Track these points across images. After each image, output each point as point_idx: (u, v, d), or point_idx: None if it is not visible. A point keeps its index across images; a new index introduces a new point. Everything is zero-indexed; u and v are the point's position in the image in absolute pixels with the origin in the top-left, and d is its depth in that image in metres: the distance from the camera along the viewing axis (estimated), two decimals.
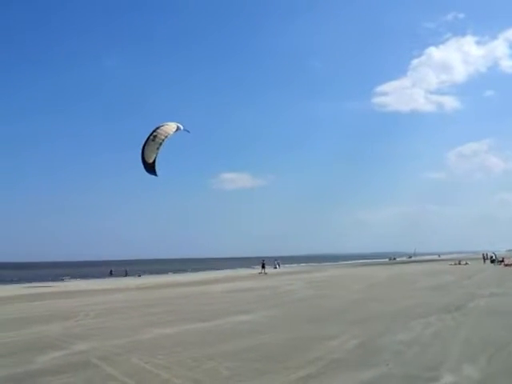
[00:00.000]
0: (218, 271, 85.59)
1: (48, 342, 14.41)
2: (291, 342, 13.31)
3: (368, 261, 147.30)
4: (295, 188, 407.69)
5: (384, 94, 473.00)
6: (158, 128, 17.28)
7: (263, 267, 67.11)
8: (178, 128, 17.82)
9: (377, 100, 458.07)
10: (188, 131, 19.02)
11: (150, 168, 16.82)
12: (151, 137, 16.92)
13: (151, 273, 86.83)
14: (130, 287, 43.24)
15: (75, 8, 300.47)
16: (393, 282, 39.54)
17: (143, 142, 17.13)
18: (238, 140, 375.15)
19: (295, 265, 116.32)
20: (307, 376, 9.71)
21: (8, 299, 32.02)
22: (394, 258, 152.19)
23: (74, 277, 78.10)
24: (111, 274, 74.63)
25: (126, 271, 74.24)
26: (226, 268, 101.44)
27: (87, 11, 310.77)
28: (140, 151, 17.00)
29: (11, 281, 69.05)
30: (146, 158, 16.59)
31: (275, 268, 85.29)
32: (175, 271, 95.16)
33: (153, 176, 17.51)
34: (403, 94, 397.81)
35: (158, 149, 16.73)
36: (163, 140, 16.85)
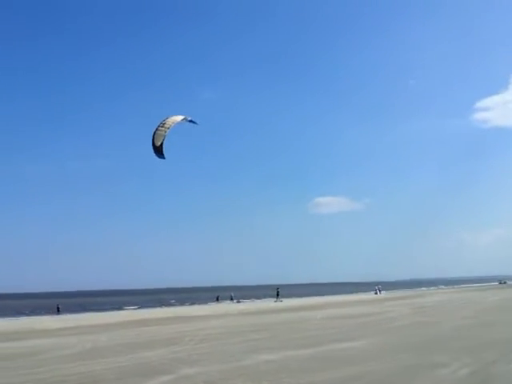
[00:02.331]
0: (318, 297, 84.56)
1: (155, 366, 14.84)
2: (399, 370, 12.81)
3: (474, 285, 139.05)
4: (393, 211, 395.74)
5: (485, 109, 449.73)
6: (166, 118, 18.60)
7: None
8: (185, 118, 18.87)
9: (478, 116, 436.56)
10: (196, 123, 19.55)
11: (158, 151, 17.91)
12: (160, 123, 18.11)
13: (254, 298, 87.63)
14: (231, 313, 43.82)
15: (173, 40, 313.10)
16: (505, 307, 37.10)
17: (154, 129, 18.41)
18: (336, 163, 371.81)
19: (396, 290, 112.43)
20: None
21: (113, 326, 33.50)
22: (505, 282, 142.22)
23: (180, 302, 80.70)
24: (217, 300, 76.42)
25: (232, 296, 75.66)
26: (326, 294, 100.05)
27: (184, 43, 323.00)
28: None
29: (113, 308, 72.50)
30: (155, 142, 17.77)
31: (376, 293, 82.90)
32: (276, 296, 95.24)
33: (162, 159, 18.61)
34: (506, 108, 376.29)
35: (165, 133, 17.89)
36: (170, 126, 18.06)
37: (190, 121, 19.25)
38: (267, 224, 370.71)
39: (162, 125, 18.11)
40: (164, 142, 17.99)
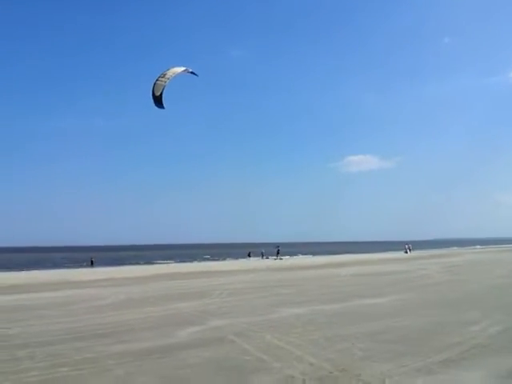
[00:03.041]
0: (347, 255, 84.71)
1: (186, 317, 15.18)
2: (428, 326, 12.80)
3: (510, 245, 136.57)
4: (425, 170, 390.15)
5: None
6: (167, 69, 18.92)
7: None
8: (186, 70, 19.15)
9: None
10: (196, 74, 19.83)
11: (158, 101, 18.36)
12: (161, 74, 18.48)
13: (282, 254, 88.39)
14: (260, 268, 44.32)
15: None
16: None
17: (154, 80, 18.84)
18: (365, 122, 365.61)
19: (427, 249, 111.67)
20: (447, 360, 9.25)
21: (146, 278, 34.25)
22: None
23: (214, 257, 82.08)
24: (249, 256, 77.39)
25: (262, 253, 76.48)
26: (354, 252, 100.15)
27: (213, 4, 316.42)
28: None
29: (145, 261, 74.21)
30: (155, 92, 18.22)
31: (406, 252, 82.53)
32: (306, 253, 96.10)
33: (162, 109, 18.94)
34: None
35: (165, 84, 18.30)
36: (171, 77, 18.43)
37: (191, 72, 19.51)
38: (297, 183, 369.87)
39: (163, 75, 18.41)
40: (164, 93, 18.38)
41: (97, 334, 12.72)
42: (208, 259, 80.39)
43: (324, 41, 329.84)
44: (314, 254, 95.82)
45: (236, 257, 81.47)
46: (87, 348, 10.94)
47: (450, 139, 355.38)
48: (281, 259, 67.71)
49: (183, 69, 19.13)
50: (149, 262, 73.38)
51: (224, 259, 75.12)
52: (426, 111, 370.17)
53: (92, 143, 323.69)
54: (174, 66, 18.93)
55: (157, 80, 18.40)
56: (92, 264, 65.48)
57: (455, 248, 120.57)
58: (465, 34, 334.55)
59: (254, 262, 60.44)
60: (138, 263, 69.29)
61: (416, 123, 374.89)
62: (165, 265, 62.51)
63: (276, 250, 72.54)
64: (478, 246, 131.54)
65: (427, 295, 19.95)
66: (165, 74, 18.46)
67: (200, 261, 74.18)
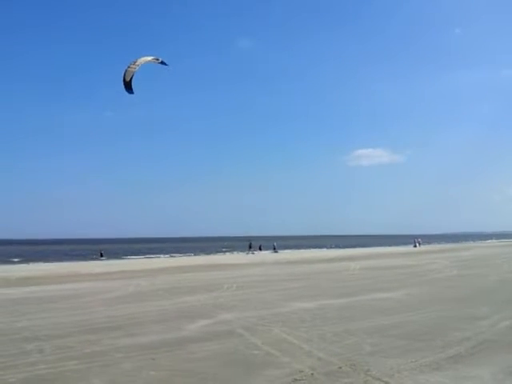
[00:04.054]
0: (356, 248, 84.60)
1: (195, 311, 15.21)
2: (436, 321, 12.75)
3: None
4: (436, 163, 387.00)
5: None
6: (138, 57, 19.94)
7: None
8: (155, 59, 19.98)
9: None
10: (166, 64, 20.59)
11: (127, 86, 19.47)
12: (132, 62, 19.52)
13: (290, 248, 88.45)
14: (268, 261, 44.39)
15: None
16: None
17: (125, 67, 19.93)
18: (375, 115, 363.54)
19: (436, 243, 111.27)
20: (456, 356, 9.19)
21: (155, 271, 34.37)
22: None
23: (221, 250, 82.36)
24: (260, 249, 77.52)
25: (274, 246, 76.48)
26: (363, 246, 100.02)
27: None
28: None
29: (153, 254, 74.58)
30: (125, 78, 19.34)
31: (415, 246, 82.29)
32: (314, 247, 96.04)
33: (131, 94, 19.89)
34: None
35: (134, 70, 19.34)
36: (140, 63, 19.43)
37: (161, 62, 20.22)
38: (305, 177, 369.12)
39: (134, 62, 19.39)
40: (133, 79, 19.46)
41: (106, 327, 12.77)
42: (215, 252, 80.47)
43: (335, 31, 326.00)
44: (322, 247, 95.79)
45: (243, 250, 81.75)
46: (96, 341, 10.97)
47: (463, 132, 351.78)
48: (253, 253, 67.12)
49: (152, 57, 19.99)
50: (157, 254, 73.62)
51: (232, 252, 74.99)
52: (437, 104, 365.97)
53: (99, 135, 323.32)
54: (144, 56, 19.85)
55: (128, 67, 19.40)
56: (101, 256, 65.93)
57: (466, 242, 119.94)
58: (476, 25, 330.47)
59: (263, 256, 60.47)
60: (146, 256, 69.52)
61: (427, 116, 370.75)
62: (173, 258, 62.76)
63: (248, 244, 71.32)
64: (494, 240, 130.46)
65: (436, 290, 19.85)
66: (135, 62, 19.41)
67: (208, 254, 74.38)
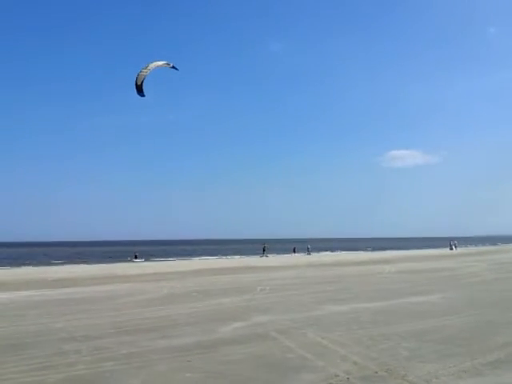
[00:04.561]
0: (389, 251, 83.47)
1: (229, 313, 15.24)
2: (475, 325, 12.49)
3: None
4: (471, 164, 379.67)
5: None
6: (150, 62, 20.84)
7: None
8: (167, 63, 20.91)
9: None
10: (177, 69, 21.46)
11: (139, 90, 20.38)
12: (144, 66, 20.38)
13: (324, 250, 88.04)
14: (301, 264, 44.21)
15: None
16: None
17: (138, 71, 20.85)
18: (409, 116, 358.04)
19: (473, 246, 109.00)
20: (496, 361, 8.98)
21: (188, 273, 34.59)
22: None
23: (254, 252, 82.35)
24: (294, 252, 77.39)
25: (308, 248, 76.19)
26: (397, 248, 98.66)
27: None
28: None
29: (187, 256, 75.11)
30: (137, 81, 20.21)
31: (451, 249, 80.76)
32: (348, 249, 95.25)
33: (142, 97, 20.86)
34: None
35: (146, 74, 20.23)
36: (152, 68, 20.34)
37: (172, 67, 21.09)
38: (337, 178, 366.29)
39: (145, 67, 20.23)
40: (144, 82, 20.30)
41: (141, 328, 12.90)
42: (253, 254, 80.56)
43: (366, 30, 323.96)
44: (356, 250, 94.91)
45: (278, 252, 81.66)
46: (132, 342, 11.10)
47: (498, 133, 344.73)
48: (266, 256, 66.38)
49: (164, 62, 20.86)
50: (189, 257, 74.11)
51: (267, 256, 74.85)
52: (472, 104, 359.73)
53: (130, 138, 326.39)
54: (156, 60, 20.72)
55: (140, 71, 20.21)
56: (136, 258, 66.77)
57: (504, 244, 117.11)
58: (510, 24, 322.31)
59: (296, 258, 60.29)
60: (178, 258, 70.10)
61: (462, 116, 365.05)
62: (204, 260, 63.09)
63: (262, 248, 70.35)
64: None
65: (475, 293, 19.43)
66: (147, 66, 20.24)
67: (241, 255, 74.47)
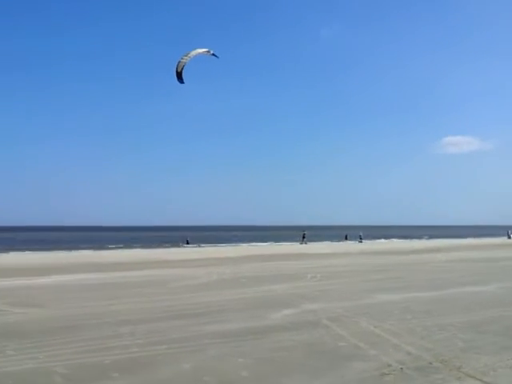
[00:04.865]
0: (443, 239, 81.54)
1: (279, 300, 15.21)
2: None
3: None
4: None
5: None
6: (191, 50, 21.17)
7: None
8: (208, 51, 21.11)
9: None
10: (217, 56, 21.61)
11: (179, 76, 20.82)
12: (185, 53, 20.71)
13: (375, 238, 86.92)
14: (352, 251, 43.84)
15: None
16: None
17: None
18: (463, 100, 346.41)
19: None
20: None
21: (238, 259, 34.84)
22: None
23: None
24: (346, 239, 76.89)
25: (360, 236, 75.47)
26: (451, 236, 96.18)
27: None
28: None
29: (236, 242, 75.90)
30: (177, 68, 20.62)
31: (509, 238, 78.19)
32: (401, 237, 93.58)
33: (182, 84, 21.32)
34: None
35: (186, 61, 20.58)
36: (192, 56, 20.62)
37: (213, 54, 21.27)
38: (390, 164, 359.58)
39: (186, 54, 20.60)
40: (184, 69, 20.74)
41: (192, 313, 13.04)
42: (298, 240, 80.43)
43: (424, 14, 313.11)
44: (409, 238, 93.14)
45: (330, 239, 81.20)
46: (183, 327, 11.24)
47: None
48: (305, 244, 65.73)
49: (205, 50, 21.08)
50: (238, 243, 74.52)
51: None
52: None
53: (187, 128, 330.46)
54: (197, 48, 21.06)
55: (181, 58, 20.64)
56: (187, 243, 67.85)
57: None
58: None
59: (347, 245, 59.79)
60: (228, 244, 70.65)
61: None
62: (254, 246, 63.37)
63: (302, 235, 69.56)
64: None
65: None
66: (188, 54, 20.60)
67: (291, 242, 74.44)
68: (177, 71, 20.75)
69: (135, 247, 61.36)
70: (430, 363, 8.22)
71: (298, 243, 67.61)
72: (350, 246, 60.23)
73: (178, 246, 63.60)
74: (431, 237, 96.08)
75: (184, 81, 21.02)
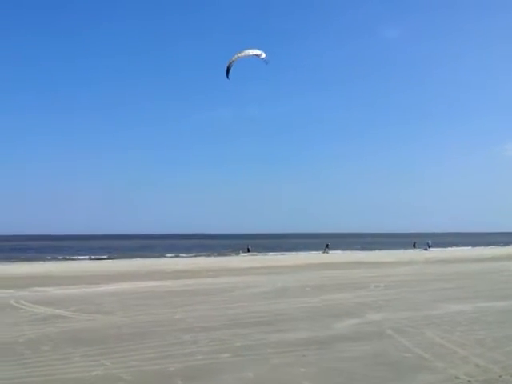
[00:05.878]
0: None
1: (342, 309, 15.09)
2: None
3: None
4: None
5: None
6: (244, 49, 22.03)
7: None
8: (258, 55, 21.81)
9: None
10: (266, 62, 22.42)
11: (227, 71, 21.86)
12: (238, 51, 21.73)
13: (442, 246, 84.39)
14: (416, 260, 42.82)
15: None
16: None
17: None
18: None
19: None
20: None
21: (299, 267, 34.77)
22: None
23: (365, 247, 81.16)
24: (414, 247, 75.22)
25: (428, 244, 73.58)
26: None
27: None
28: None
29: (295, 250, 75.44)
30: (228, 65, 21.72)
31: None
32: (467, 245, 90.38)
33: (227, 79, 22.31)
34: None
35: (235, 59, 21.61)
36: (241, 56, 21.62)
37: (263, 59, 22.11)
38: (455, 169, 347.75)
39: (238, 53, 21.62)
40: (232, 67, 21.83)
41: (255, 321, 13.13)
42: (358, 249, 79.20)
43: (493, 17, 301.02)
44: (475, 245, 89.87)
45: (395, 247, 79.41)
46: (247, 335, 11.33)
47: None
48: (327, 253, 65.11)
49: (257, 53, 21.90)
50: (297, 251, 73.97)
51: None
52: None
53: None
54: (252, 48, 22.02)
55: (233, 56, 21.77)
56: (248, 251, 68.21)
57: None
58: None
59: (411, 254, 58.39)
60: (286, 252, 70.44)
61: None
62: (313, 254, 62.96)
63: (325, 245, 69.71)
64: None
65: None
66: (240, 52, 21.64)
67: (352, 250, 73.38)
68: (227, 67, 21.85)
69: (200, 255, 62.33)
70: (500, 376, 7.95)
71: (321, 252, 67.80)
72: (415, 254, 58.77)
73: (239, 255, 64.10)
74: (506, 244, 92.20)
75: (229, 77, 22.00)
